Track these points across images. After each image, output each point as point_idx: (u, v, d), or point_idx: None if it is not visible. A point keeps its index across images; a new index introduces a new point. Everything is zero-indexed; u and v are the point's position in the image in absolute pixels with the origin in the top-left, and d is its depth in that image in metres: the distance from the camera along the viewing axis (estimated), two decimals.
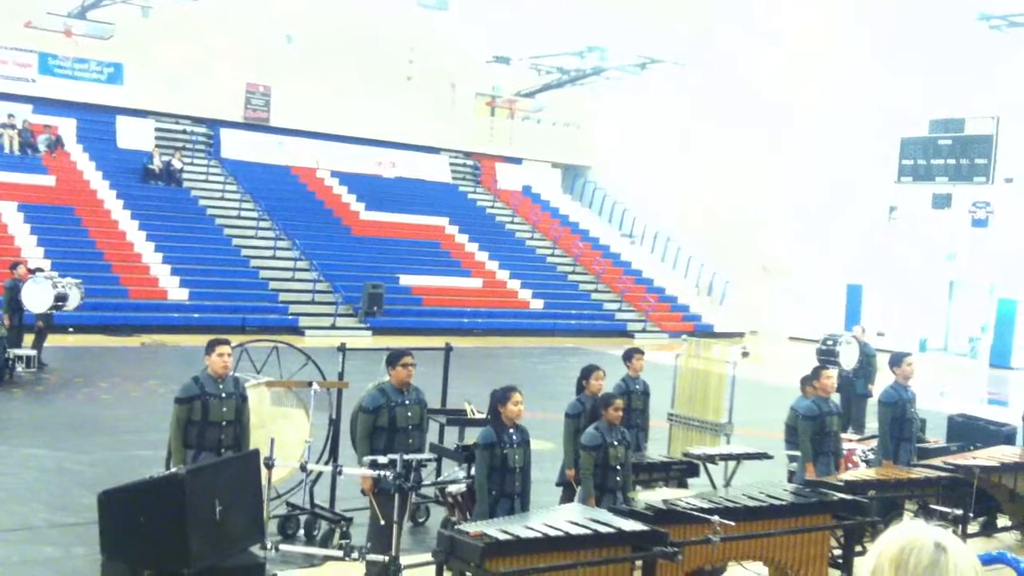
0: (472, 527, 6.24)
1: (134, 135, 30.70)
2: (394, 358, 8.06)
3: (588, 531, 6.21)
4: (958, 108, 29.76)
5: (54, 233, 25.30)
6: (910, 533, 2.11)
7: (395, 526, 7.17)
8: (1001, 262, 28.58)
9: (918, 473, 9.21)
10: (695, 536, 6.57)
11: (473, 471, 7.64)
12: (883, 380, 11.49)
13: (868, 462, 10.37)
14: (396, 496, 7.10)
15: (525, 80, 36.13)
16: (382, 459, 7.42)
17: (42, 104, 29.27)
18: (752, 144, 33.21)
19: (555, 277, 32.65)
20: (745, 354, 12.45)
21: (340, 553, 7.64)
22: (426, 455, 8.12)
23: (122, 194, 28.03)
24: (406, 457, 7.31)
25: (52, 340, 18.63)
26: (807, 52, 32.10)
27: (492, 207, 35.74)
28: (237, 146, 32.18)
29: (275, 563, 7.94)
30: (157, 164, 29.51)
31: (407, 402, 7.97)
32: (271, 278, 26.93)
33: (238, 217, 29.15)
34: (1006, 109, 28.96)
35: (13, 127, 28.20)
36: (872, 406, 12.27)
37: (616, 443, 7.72)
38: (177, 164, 29.89)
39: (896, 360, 9.95)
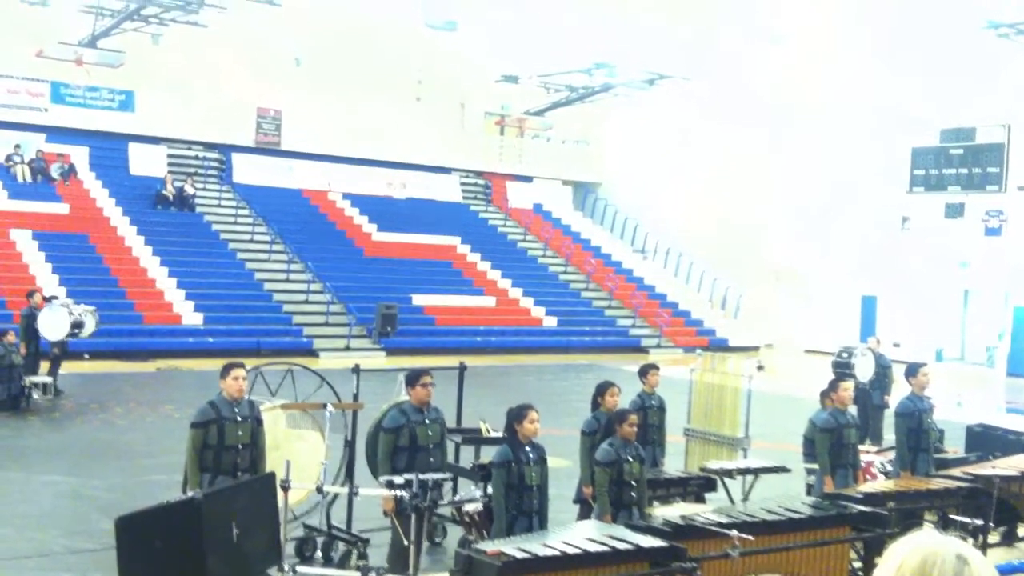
0: (490, 546, 6.22)
1: (146, 162, 30.88)
2: (413, 378, 8.10)
3: (606, 548, 6.18)
4: (966, 115, 29.67)
5: (69, 261, 25.42)
6: (930, 544, 2.09)
7: (412, 546, 7.16)
8: (1016, 270, 28.43)
9: (937, 484, 9.15)
10: (714, 551, 6.53)
11: (490, 490, 7.63)
12: (899, 391, 11.44)
13: (887, 474, 10.31)
14: (413, 515, 7.09)
15: (534, 98, 36.23)
16: (398, 479, 7.42)
17: (55, 133, 29.48)
18: (759, 151, 33.17)
19: (568, 294, 32.63)
20: (760, 367, 12.45)
21: (358, 574, 7.64)
22: (442, 474, 8.13)
23: (135, 220, 28.17)
24: (421, 476, 7.31)
25: (68, 367, 18.70)
26: (811, 55, 31.98)
27: (503, 225, 35.78)
28: (249, 170, 32.35)
29: None
30: (170, 190, 29.65)
31: (427, 421, 8.02)
32: (285, 301, 27.00)
33: (251, 241, 29.25)
34: (1016, 117, 28.88)
35: (20, 157, 28.36)
36: (889, 417, 12.21)
37: (631, 459, 7.69)
38: (189, 190, 30.04)
39: (912, 370, 9.91)
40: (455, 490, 9.59)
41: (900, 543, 2.13)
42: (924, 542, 2.10)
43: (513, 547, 6.07)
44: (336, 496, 8.98)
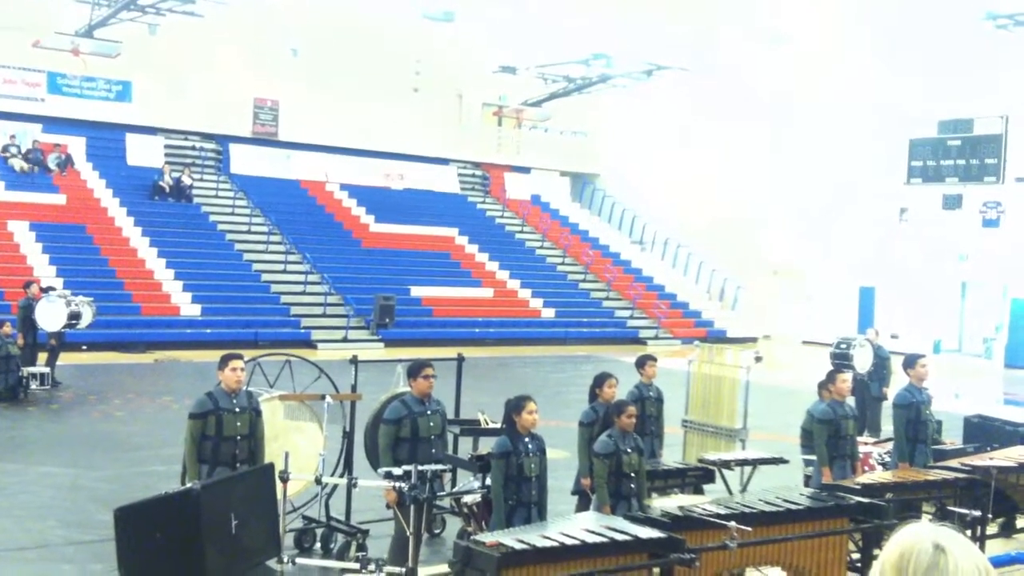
0: (488, 537, 6.22)
1: (143, 152, 30.84)
2: (415, 370, 8.12)
3: (605, 539, 6.18)
4: (965, 108, 29.67)
5: (66, 251, 25.40)
6: (910, 537, 2.09)
7: (412, 537, 7.16)
8: (1013, 262, 28.45)
9: (935, 475, 9.16)
10: (712, 542, 6.53)
11: (488, 481, 7.63)
12: (898, 382, 11.45)
13: (885, 465, 10.32)
14: (412, 507, 7.09)
15: (532, 89, 36.17)
16: (396, 471, 7.42)
17: (51, 123, 29.42)
18: (757, 144, 33.17)
19: (566, 285, 32.63)
20: (758, 359, 12.41)
21: (357, 565, 7.63)
22: (441, 465, 8.13)
23: (133, 211, 28.14)
24: (420, 468, 7.31)
25: (65, 358, 18.69)
26: (810, 49, 31.93)
27: (501, 217, 35.76)
28: (246, 161, 32.31)
29: None
30: (167, 180, 29.62)
31: (429, 412, 8.05)
32: (282, 292, 26.98)
33: (248, 232, 29.22)
34: (1014, 108, 28.87)
35: (17, 147, 28.30)
36: (887, 409, 12.23)
37: (629, 450, 7.70)
38: (187, 180, 30.00)
39: (910, 362, 9.92)
40: (454, 481, 9.60)
41: (891, 538, 2.14)
42: (903, 536, 2.10)
43: (511, 538, 6.07)
44: (335, 487, 8.99)
